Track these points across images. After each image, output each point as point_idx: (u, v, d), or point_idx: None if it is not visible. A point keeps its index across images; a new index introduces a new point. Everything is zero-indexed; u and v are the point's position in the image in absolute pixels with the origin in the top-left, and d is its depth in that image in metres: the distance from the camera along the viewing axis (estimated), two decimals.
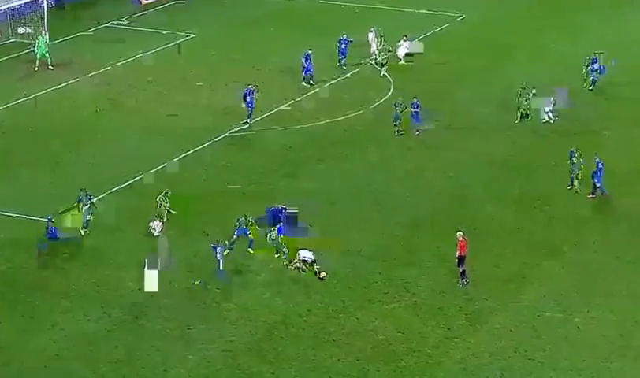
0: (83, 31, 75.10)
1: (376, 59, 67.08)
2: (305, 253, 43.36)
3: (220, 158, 54.55)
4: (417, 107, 56.58)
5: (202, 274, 43.33)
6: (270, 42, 72.87)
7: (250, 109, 57.90)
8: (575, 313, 40.68)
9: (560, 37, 73.26)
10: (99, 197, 49.46)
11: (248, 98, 57.66)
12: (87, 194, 46.53)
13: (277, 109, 60.07)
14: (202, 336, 39.38)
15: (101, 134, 57.83)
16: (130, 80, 65.67)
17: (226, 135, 57.34)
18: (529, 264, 44.18)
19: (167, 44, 72.18)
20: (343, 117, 59.52)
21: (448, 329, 39.73)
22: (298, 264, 43.31)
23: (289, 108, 60.74)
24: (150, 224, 46.70)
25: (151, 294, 41.84)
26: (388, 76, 65.08)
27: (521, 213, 48.72)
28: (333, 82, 64.03)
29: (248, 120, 57.84)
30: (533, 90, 58.25)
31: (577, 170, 50.04)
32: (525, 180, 51.99)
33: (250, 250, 44.59)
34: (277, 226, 44.77)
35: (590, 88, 62.46)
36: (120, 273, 43.39)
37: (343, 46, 66.01)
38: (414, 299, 41.71)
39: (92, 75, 66.34)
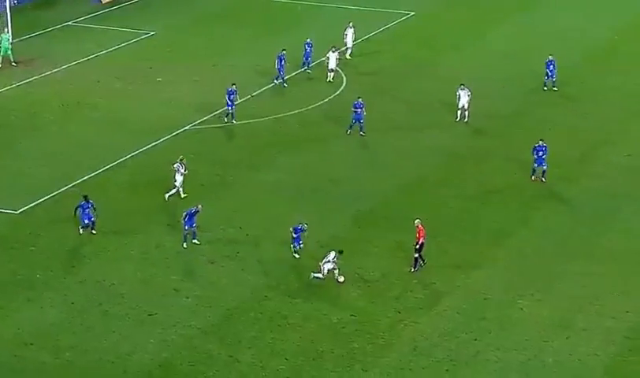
0: (46, 29, 74.65)
1: (349, 54, 67.32)
2: (328, 265, 41.75)
3: (182, 151, 54.44)
4: (361, 107, 55.84)
5: (162, 265, 43.39)
6: (228, 39, 72.86)
7: (230, 108, 57.17)
8: (519, 296, 41.18)
9: (504, 34, 73.71)
10: (64, 189, 49.44)
11: (231, 98, 56.94)
12: (87, 200, 45.15)
13: (236, 103, 60.05)
14: (163, 321, 39.48)
15: (65, 128, 57.65)
16: (93, 76, 65.43)
17: (187, 128, 57.32)
18: (476, 251, 44.62)
19: (127, 42, 71.91)
20: (299, 111, 59.70)
21: (399, 312, 40.07)
22: (325, 274, 41.93)
23: (248, 103, 60.72)
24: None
25: (112, 282, 41.84)
26: (341, 72, 65.23)
27: (469, 202, 49.15)
28: (288, 77, 64.08)
29: (229, 120, 57.16)
30: (461, 87, 58.02)
31: (541, 163, 50.20)
32: (474, 171, 52.37)
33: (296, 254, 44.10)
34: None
35: (545, 88, 62.34)
36: (84, 263, 43.33)
37: (308, 49, 65.41)
38: (368, 285, 42.05)
39: (56, 72, 66.07)
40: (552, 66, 61.97)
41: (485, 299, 40.96)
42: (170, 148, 54.81)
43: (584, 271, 42.98)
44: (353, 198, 49.32)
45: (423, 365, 37.03)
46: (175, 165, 48.75)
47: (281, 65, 62.76)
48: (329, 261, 41.59)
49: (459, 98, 57.50)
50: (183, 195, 48.55)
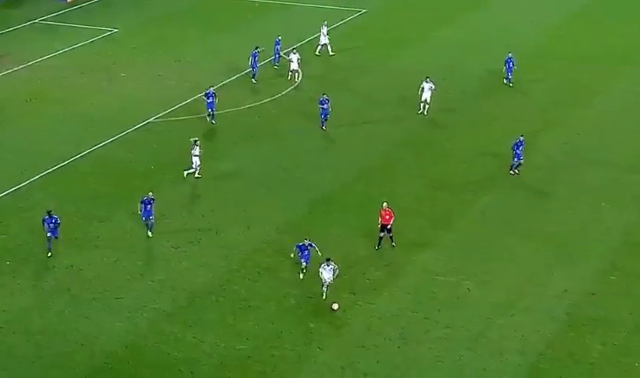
0: (13, 27, 74.44)
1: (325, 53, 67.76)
2: (327, 275, 40.35)
3: (145, 142, 54.79)
4: (326, 102, 55.93)
5: (127, 251, 43.68)
6: (189, 35, 72.99)
7: (210, 110, 56.72)
8: (467, 277, 41.90)
9: (452, 32, 74.40)
10: (30, 180, 49.58)
11: (209, 100, 56.74)
12: (50, 215, 43.33)
13: (195, 98, 60.30)
14: (129, 305, 39.84)
15: (32, 122, 57.64)
16: (58, 73, 65.41)
17: (150, 121, 57.51)
18: (426, 234, 45.29)
19: (91, 39, 71.85)
20: (257, 104, 60.01)
21: (354, 294, 40.64)
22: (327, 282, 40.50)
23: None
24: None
25: (80, 267, 42.10)
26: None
27: (423, 188, 49.80)
28: (246, 73, 64.36)
29: (210, 120, 56.96)
30: (426, 80, 58.55)
31: (520, 157, 50.42)
32: (427, 161, 53.02)
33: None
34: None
35: (508, 84, 62.84)
36: (54, 249, 43.48)
37: (277, 46, 65.61)
38: (359, 271, 42.37)
39: (22, 68, 65.94)
40: (511, 63, 62.53)
41: (434, 280, 41.67)
42: (134, 140, 55.11)
43: (525, 252, 43.80)
44: (309, 186, 49.82)
45: (376, 343, 37.61)
46: (191, 147, 49.97)
47: (255, 62, 62.82)
48: (326, 271, 40.18)
49: (423, 90, 57.76)
50: (197, 175, 49.77)
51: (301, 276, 41.47)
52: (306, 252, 41.41)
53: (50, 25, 75.64)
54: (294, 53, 63.47)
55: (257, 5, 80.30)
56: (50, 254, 43.03)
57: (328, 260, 40.35)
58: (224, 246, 44.21)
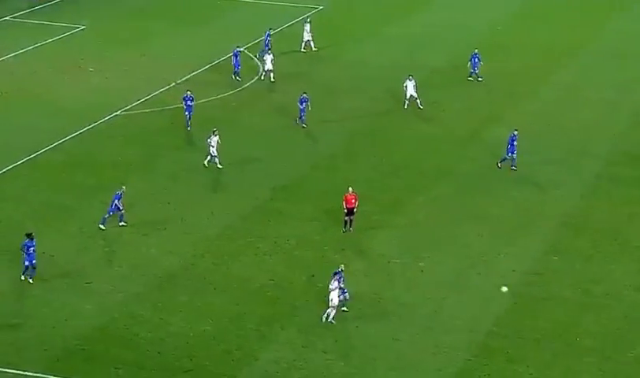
0: None
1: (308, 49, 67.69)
2: (335, 293, 37.87)
3: (113, 135, 54.84)
4: (306, 101, 55.36)
5: (97, 238, 43.75)
6: (154, 30, 72.78)
7: (187, 114, 55.48)
8: (419, 259, 42.45)
9: (404, 28, 74.64)
10: (2, 171, 49.50)
11: (188, 103, 55.50)
12: (30, 238, 40.21)
13: (162, 91, 60.38)
14: (99, 289, 40.01)
15: (4, 115, 57.45)
16: (29, 68, 65.12)
17: (117, 114, 57.52)
18: (380, 219, 45.72)
19: (60, 35, 71.57)
20: (220, 97, 60.14)
21: (313, 276, 41.04)
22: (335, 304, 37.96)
23: (174, 90, 60.80)
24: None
25: (52, 254, 42.16)
26: (258, 62, 65.74)
27: (378, 175, 50.26)
28: (211, 66, 64.48)
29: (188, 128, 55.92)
30: (409, 78, 58.45)
31: (514, 151, 49.98)
32: (377, 149, 53.47)
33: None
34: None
35: (471, 78, 62.87)
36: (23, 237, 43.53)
37: (267, 39, 65.42)
38: (284, 252, 42.93)
39: None
40: (476, 59, 62.83)
41: (388, 262, 42.15)
42: (103, 132, 55.15)
43: (474, 233, 44.40)
44: (270, 175, 50.12)
45: (335, 323, 37.93)
46: (209, 137, 49.78)
47: (237, 61, 62.35)
48: (334, 289, 37.80)
49: (407, 88, 57.99)
50: (219, 166, 49.47)
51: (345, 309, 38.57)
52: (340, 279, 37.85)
53: (21, 22, 75.21)
54: (268, 54, 63.01)
55: (219, 1, 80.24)
56: (23, 279, 40.29)
57: (338, 272, 38.29)
58: (189, 232, 44.43)
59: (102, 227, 44.28)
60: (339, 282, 37.88)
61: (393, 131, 55.81)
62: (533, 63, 66.65)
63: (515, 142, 50.34)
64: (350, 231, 44.21)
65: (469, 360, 35.91)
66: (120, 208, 44.27)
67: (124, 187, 44.70)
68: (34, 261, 40.10)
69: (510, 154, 50.46)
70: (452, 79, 63.50)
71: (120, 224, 44.51)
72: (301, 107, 55.63)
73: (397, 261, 42.23)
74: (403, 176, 50.20)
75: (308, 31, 68.64)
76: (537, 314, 38.56)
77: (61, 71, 64.55)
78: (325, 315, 37.71)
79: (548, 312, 38.70)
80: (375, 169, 50.97)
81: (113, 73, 64.06)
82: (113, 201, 44.21)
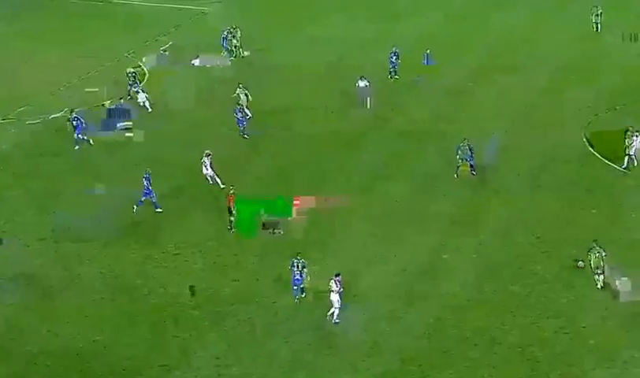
0: None
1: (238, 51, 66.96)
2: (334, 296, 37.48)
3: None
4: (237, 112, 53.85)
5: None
6: (89, 32, 72.04)
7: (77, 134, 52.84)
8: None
9: (324, 30, 73.27)
10: None
11: (76, 124, 52.46)
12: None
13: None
14: None
15: None
16: None
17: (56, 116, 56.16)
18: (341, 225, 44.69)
19: None
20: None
21: (237, 281, 40.17)
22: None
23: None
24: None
25: None
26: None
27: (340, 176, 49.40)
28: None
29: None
30: (361, 78, 57.89)
31: (462, 160, 48.89)
32: (324, 151, 52.21)
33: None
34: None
35: (392, 77, 62.18)
36: None
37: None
38: (206, 258, 41.95)
39: None
40: (394, 57, 62.21)
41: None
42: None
43: (366, 233, 43.82)
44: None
45: (228, 325, 37.19)
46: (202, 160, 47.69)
47: (224, 42, 65.39)
48: (333, 291, 37.31)
49: (358, 87, 57.48)
50: (222, 186, 47.05)
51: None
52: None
53: None
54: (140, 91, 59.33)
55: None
56: None
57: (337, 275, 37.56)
58: (75, 240, 43.05)
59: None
60: (337, 284, 37.15)
61: (335, 133, 54.22)
62: (465, 62, 64.91)
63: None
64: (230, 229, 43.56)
65: (363, 361, 35.31)
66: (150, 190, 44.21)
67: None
68: None
69: (467, 161, 49.13)
70: (386, 80, 61.67)
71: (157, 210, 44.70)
72: (237, 117, 53.65)
73: (344, 266, 39.75)
74: (346, 176, 49.17)
75: (237, 38, 67.24)
76: (427, 310, 37.96)
77: None
78: (330, 313, 37.09)
79: (438, 308, 38.17)
80: (315, 171, 49.70)
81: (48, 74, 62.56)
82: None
